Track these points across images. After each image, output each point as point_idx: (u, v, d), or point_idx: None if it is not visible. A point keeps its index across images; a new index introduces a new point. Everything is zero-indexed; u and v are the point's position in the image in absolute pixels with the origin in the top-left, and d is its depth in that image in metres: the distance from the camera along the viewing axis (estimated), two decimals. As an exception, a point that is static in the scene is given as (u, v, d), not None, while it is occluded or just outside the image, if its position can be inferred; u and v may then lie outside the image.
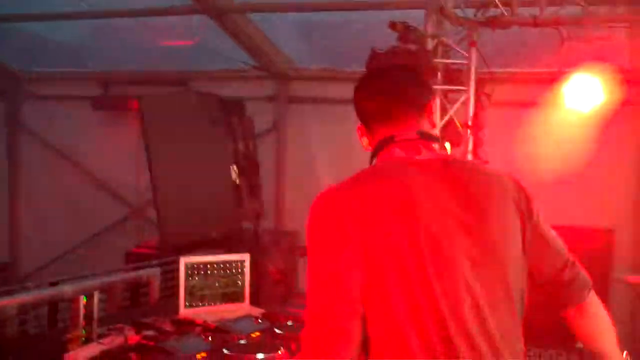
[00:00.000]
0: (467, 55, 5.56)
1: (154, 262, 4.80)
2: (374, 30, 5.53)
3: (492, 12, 5.37)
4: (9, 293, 4.11)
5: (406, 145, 2.09)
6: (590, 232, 5.31)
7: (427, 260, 1.88)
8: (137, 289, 4.56)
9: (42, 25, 7.83)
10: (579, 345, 5.01)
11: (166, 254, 4.94)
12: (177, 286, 4.09)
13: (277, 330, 3.53)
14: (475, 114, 5.51)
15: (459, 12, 5.50)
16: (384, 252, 1.87)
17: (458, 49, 5.62)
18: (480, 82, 5.56)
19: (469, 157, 5.48)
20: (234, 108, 6.63)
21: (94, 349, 3.14)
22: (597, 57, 5.11)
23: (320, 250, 1.91)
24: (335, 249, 1.89)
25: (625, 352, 2.43)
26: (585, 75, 5.12)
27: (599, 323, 2.34)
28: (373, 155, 2.13)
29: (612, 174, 6.28)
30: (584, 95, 5.22)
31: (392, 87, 2.18)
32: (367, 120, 2.18)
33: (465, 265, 1.91)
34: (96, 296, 3.31)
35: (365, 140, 2.19)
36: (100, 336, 3.25)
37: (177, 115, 6.04)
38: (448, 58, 5.70)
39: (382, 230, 1.88)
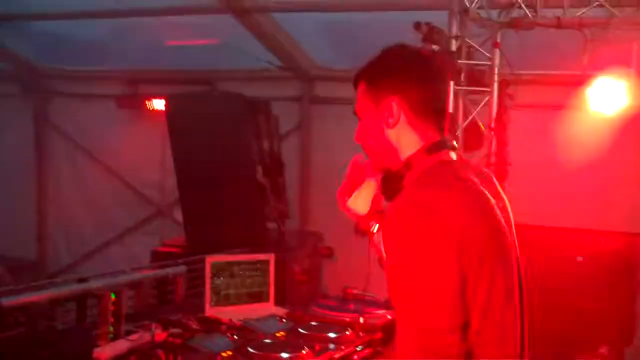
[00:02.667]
0: (490, 56, 5.57)
1: (180, 260, 4.85)
2: (398, 31, 5.53)
3: (515, 13, 5.38)
4: (38, 288, 4.18)
5: (453, 151, 2.12)
6: (615, 235, 5.30)
7: (514, 270, 2.03)
8: (163, 286, 4.61)
9: (67, 23, 7.91)
10: (602, 350, 5.03)
11: (192, 253, 4.99)
12: (202, 285, 4.15)
13: (301, 330, 3.58)
14: (498, 116, 5.52)
15: (482, 13, 5.51)
16: (484, 259, 1.88)
17: (482, 50, 5.64)
18: (503, 84, 5.57)
19: (492, 159, 5.49)
20: (259, 107, 6.68)
21: (122, 345, 3.20)
22: (621, 60, 5.10)
23: (424, 257, 1.81)
24: (441, 257, 1.82)
25: None
26: (609, 79, 5.11)
27: None
28: (426, 152, 2.05)
29: (638, 177, 6.25)
30: (608, 98, 5.21)
31: (446, 88, 2.15)
32: (422, 109, 2.06)
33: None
34: (124, 293, 3.37)
35: (392, 121, 2.05)
36: (128, 333, 3.32)
37: (202, 114, 6.11)
38: (471, 59, 5.72)
39: (478, 237, 1.89)
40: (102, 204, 8.52)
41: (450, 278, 1.81)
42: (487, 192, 2.02)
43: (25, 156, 8.91)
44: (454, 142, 2.13)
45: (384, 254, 1.98)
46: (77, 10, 7.33)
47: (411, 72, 2.08)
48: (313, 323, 3.73)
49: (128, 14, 7.37)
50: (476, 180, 2.05)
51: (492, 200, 2.02)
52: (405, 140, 2.07)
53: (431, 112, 2.08)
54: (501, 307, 1.91)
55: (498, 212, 2.02)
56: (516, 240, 2.10)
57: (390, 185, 2.09)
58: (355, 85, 2.17)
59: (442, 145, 2.07)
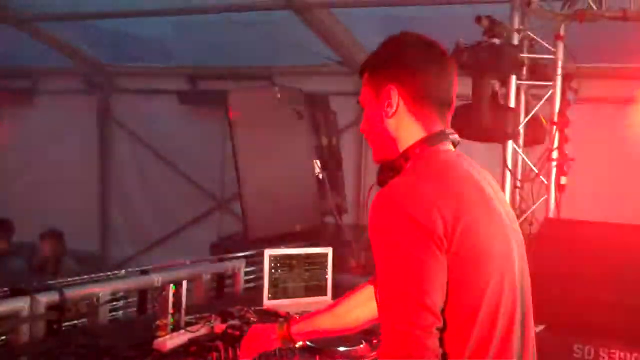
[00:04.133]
0: (553, 49, 5.48)
1: (239, 253, 4.90)
2: (459, 25, 5.49)
3: (579, 5, 5.27)
4: (100, 280, 4.27)
5: (453, 144, 2.06)
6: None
7: (513, 264, 1.95)
8: (222, 279, 4.66)
9: (129, 21, 8.05)
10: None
11: (250, 246, 5.04)
12: (261, 278, 4.18)
13: (358, 324, 3.56)
14: (561, 110, 5.42)
15: (545, 5, 5.42)
16: (474, 253, 1.82)
17: (544, 43, 5.54)
18: (566, 78, 5.47)
19: (554, 154, 5.40)
20: (318, 103, 6.68)
21: (182, 336, 3.24)
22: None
23: (405, 248, 1.76)
24: (424, 247, 1.76)
25: None
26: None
27: None
28: (424, 143, 1.98)
29: None
30: (675, 91, 5.09)
31: (454, 78, 2.07)
32: (422, 97, 1.99)
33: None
34: (184, 285, 3.41)
35: (391, 110, 2.00)
36: (187, 324, 3.36)
37: (262, 109, 6.13)
38: (534, 52, 5.63)
39: (470, 229, 1.82)
40: (163, 198, 8.66)
41: (426, 265, 1.75)
42: (483, 184, 1.98)
43: (89, 150, 9.13)
44: (456, 136, 2.06)
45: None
46: (140, 9, 7.47)
47: (409, 59, 2.01)
48: (371, 317, 3.71)
49: (189, 12, 7.46)
50: (474, 172, 2.00)
51: (489, 191, 1.98)
52: (405, 130, 2.01)
53: (432, 100, 2.01)
54: (495, 299, 1.85)
55: (496, 204, 1.97)
56: (520, 234, 2.06)
57: (385, 175, 2.04)
58: (361, 75, 2.14)
59: (442, 137, 2.02)
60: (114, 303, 4.10)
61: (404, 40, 2.06)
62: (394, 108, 2.00)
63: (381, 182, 2.05)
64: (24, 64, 9.01)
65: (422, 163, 1.95)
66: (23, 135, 9.34)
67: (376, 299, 1.87)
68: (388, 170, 2.03)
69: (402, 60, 2.01)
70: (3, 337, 3.49)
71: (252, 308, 3.77)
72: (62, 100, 8.97)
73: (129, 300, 4.24)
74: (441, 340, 1.78)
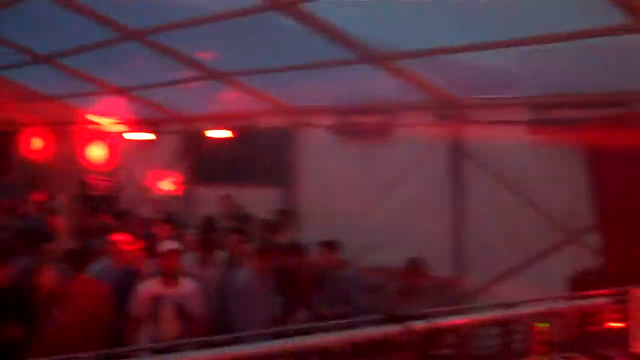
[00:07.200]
0: None
1: (602, 290, 4.75)
2: None
3: None
4: (460, 312, 4.39)
5: None
6: None
7: None
8: (586, 317, 4.55)
9: (477, 54, 8.22)
10: None
11: (612, 282, 4.86)
12: (626, 319, 4.02)
13: None
14: None
15: None
16: None
17: None
18: None
19: None
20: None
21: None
22: None
23: None
24: None
25: None
26: None
27: None
28: None
29: None
30: None
31: None
32: None
33: None
34: (552, 323, 3.40)
35: None
36: (554, 363, 3.34)
37: (618, 139, 5.92)
38: None
39: None
40: (514, 228, 8.60)
41: None
42: None
43: (441, 181, 9.45)
44: None
45: None
46: (487, 40, 7.62)
47: None
48: None
49: (535, 41, 7.41)
50: None
51: None
52: None
53: None
54: None
55: None
56: None
57: None
58: None
59: None
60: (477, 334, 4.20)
61: None
62: None
63: None
64: (382, 99, 9.68)
65: None
66: (380, 167, 10.01)
67: None
68: None
69: None
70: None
71: (622, 351, 3.63)
72: (416, 133, 9.44)
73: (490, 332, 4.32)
74: None
